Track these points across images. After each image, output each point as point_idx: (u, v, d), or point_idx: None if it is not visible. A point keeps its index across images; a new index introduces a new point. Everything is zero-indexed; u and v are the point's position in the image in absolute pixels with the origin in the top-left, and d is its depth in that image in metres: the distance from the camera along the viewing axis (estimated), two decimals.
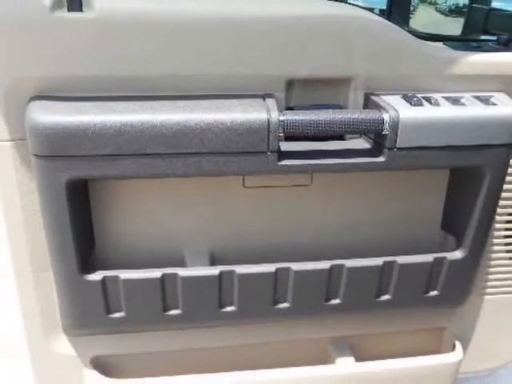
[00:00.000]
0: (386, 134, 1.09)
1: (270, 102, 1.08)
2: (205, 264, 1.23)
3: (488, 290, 1.43)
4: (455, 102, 1.14)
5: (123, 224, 1.20)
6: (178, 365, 1.34)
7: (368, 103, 1.16)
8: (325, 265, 1.21)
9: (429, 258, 1.25)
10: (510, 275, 1.42)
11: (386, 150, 1.10)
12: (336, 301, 1.26)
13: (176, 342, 1.32)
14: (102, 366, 1.30)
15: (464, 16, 1.86)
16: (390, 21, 1.13)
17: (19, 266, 1.17)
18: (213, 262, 1.25)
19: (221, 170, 1.07)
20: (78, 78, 1.04)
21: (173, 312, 1.20)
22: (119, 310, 1.18)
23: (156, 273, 1.15)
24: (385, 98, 1.14)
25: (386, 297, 1.28)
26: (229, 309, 1.22)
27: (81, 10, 1.00)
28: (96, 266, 1.17)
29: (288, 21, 1.07)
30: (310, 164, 1.10)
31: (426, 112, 1.10)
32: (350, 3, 1.19)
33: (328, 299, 1.26)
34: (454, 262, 1.26)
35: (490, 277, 1.41)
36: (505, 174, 1.20)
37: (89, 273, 1.14)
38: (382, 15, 1.20)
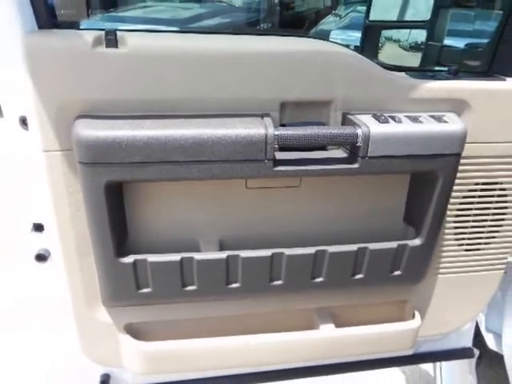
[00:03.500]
0: (359, 146, 1.09)
1: (267, 120, 1.08)
2: (215, 249, 1.23)
3: (441, 271, 1.43)
4: (415, 120, 1.15)
5: (150, 217, 1.20)
6: (193, 330, 1.34)
7: (345, 121, 1.16)
8: (311, 250, 1.21)
9: (393, 244, 1.25)
10: (458, 258, 1.42)
11: (359, 158, 1.11)
12: (320, 279, 1.26)
13: (192, 312, 1.32)
14: (133, 331, 1.30)
15: (422, 51, 1.87)
16: (362, 55, 1.14)
17: (67, 251, 1.17)
18: (221, 248, 1.25)
19: (227, 174, 1.07)
20: (114, 101, 1.04)
21: (189, 288, 1.20)
22: (147, 286, 1.18)
23: (176, 257, 1.16)
24: (358, 116, 1.14)
25: (359, 276, 1.28)
26: (234, 285, 1.22)
27: (116, 46, 1.01)
28: (128, 251, 1.17)
29: (281, 55, 1.08)
30: (299, 169, 1.10)
31: (391, 128, 1.11)
32: (331, 41, 1.19)
33: (313, 277, 1.26)
34: (413, 248, 1.27)
35: (443, 260, 1.41)
36: (454, 177, 1.21)
37: (123, 256, 1.14)
38: (357, 50, 1.20)
